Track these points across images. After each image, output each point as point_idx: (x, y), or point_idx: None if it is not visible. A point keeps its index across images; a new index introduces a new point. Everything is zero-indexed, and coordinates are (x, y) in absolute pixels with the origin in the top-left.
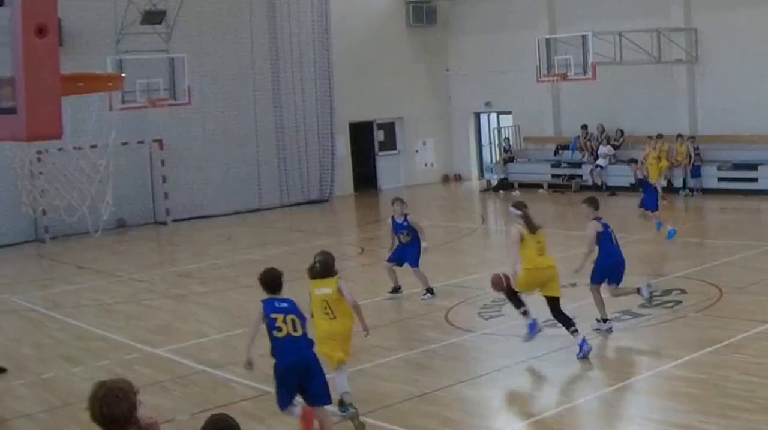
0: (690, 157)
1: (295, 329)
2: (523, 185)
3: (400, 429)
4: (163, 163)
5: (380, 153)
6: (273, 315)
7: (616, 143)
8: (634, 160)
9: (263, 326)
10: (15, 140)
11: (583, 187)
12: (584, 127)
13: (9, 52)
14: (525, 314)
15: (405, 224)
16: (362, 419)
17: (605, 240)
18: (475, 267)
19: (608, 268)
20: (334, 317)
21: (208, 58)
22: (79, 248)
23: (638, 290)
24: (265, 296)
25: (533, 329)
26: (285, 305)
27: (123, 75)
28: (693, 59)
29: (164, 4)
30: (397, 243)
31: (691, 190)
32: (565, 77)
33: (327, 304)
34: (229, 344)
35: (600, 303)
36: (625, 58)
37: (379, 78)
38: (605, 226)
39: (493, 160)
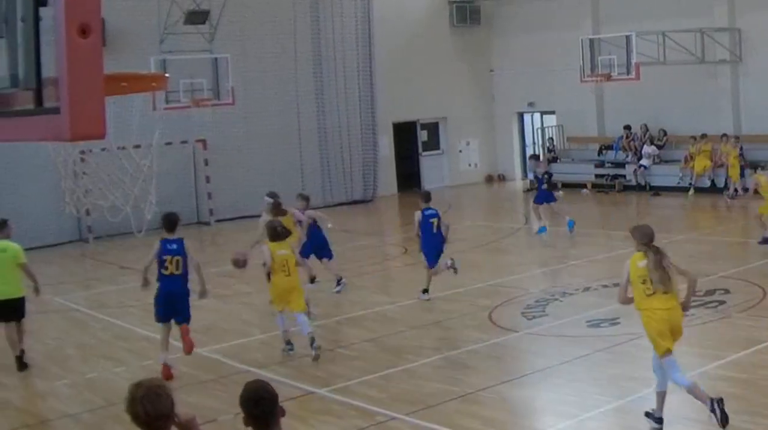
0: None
1: (177, 268)
2: (566, 185)
3: (444, 429)
4: (206, 163)
5: (424, 153)
6: (164, 256)
7: (659, 143)
8: (534, 157)
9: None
10: (58, 140)
11: (627, 188)
12: (627, 127)
13: (52, 52)
14: None
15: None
16: (405, 418)
17: (425, 227)
18: (519, 267)
19: (427, 249)
20: (289, 274)
21: (252, 58)
22: (123, 248)
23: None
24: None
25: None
26: (174, 246)
27: (167, 75)
28: (737, 59)
29: (208, 4)
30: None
31: (735, 190)
32: (608, 77)
33: (286, 262)
34: (272, 345)
35: (429, 277)
36: (668, 58)
37: (423, 78)
38: (426, 216)
39: None
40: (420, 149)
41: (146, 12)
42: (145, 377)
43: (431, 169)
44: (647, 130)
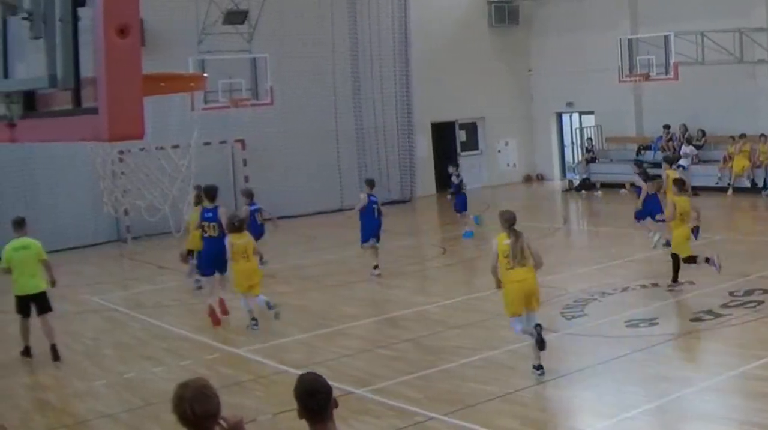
0: None
1: (214, 232)
2: (605, 185)
3: (482, 429)
4: (245, 163)
5: (462, 153)
6: (203, 222)
7: (698, 143)
8: (454, 165)
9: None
10: (97, 141)
11: None
12: (666, 127)
13: (91, 52)
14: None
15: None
16: (444, 418)
17: (368, 210)
18: (558, 267)
19: (370, 230)
20: (248, 259)
21: (290, 58)
22: (161, 248)
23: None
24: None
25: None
26: (210, 214)
27: (205, 75)
28: None
29: (246, 4)
30: None
31: None
32: (647, 77)
33: (245, 249)
34: (311, 345)
35: (373, 254)
36: (707, 58)
37: (461, 78)
38: (371, 202)
39: (575, 161)
40: (458, 149)
41: (185, 12)
42: (189, 378)
43: (470, 169)
44: (686, 130)
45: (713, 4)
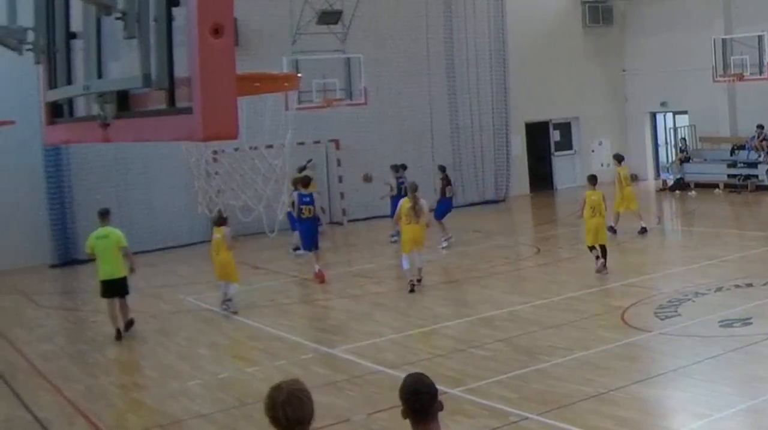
0: None
1: (310, 214)
2: (699, 185)
3: (576, 429)
4: (339, 163)
5: (556, 153)
6: (301, 205)
7: None
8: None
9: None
10: (191, 140)
11: (759, 188)
12: (760, 127)
13: (185, 52)
14: None
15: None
16: (537, 418)
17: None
18: (651, 267)
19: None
20: (218, 253)
21: (384, 58)
22: (255, 249)
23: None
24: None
25: None
26: (307, 199)
27: (299, 75)
28: None
29: (340, 4)
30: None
31: None
32: (741, 77)
33: (218, 244)
34: (405, 345)
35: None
36: None
37: (555, 78)
38: (400, 183)
39: (669, 160)
40: (552, 149)
41: (279, 12)
42: (282, 379)
43: (564, 169)
44: None
45: None
